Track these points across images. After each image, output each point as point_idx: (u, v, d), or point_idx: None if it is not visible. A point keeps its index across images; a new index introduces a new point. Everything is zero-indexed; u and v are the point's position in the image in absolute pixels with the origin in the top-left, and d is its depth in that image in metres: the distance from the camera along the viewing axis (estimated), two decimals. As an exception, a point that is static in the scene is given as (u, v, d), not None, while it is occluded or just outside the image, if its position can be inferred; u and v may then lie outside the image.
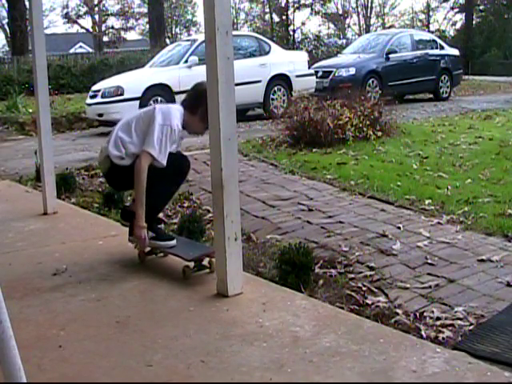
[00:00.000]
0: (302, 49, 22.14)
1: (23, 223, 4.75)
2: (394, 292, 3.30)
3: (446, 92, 14.75)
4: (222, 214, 3.03)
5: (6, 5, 22.43)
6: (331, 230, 4.40)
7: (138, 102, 10.40)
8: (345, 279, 3.52)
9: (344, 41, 27.27)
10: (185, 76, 10.52)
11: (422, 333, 2.80)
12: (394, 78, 13.32)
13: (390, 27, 36.79)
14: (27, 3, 5.77)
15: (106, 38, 38.36)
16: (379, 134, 8.18)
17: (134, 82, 10.99)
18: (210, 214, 4.72)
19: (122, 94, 10.57)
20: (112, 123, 10.08)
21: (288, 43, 25.29)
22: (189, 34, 40.13)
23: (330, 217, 4.75)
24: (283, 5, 28.82)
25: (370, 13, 41.90)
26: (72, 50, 36.14)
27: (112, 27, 39.19)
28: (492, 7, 32.62)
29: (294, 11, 29.03)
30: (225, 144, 3.00)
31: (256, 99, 11.68)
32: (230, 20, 3.02)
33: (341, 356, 2.45)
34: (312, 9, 30.61)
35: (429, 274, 3.53)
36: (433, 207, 4.88)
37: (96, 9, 38.13)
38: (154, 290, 3.27)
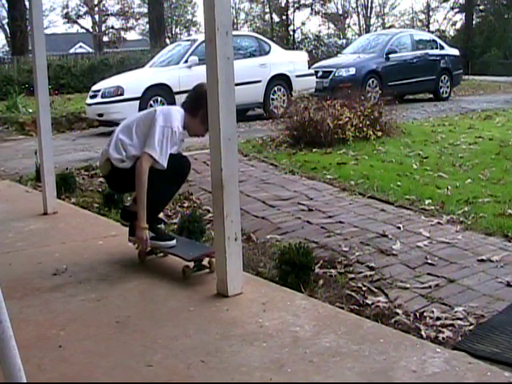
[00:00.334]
0: (302, 49, 22.13)
1: (23, 223, 4.75)
2: (394, 292, 3.30)
3: (446, 92, 14.75)
4: (221, 214, 3.03)
5: (6, 5, 22.45)
6: (331, 230, 4.40)
7: (137, 102, 10.40)
8: (345, 279, 3.52)
9: (344, 41, 27.27)
10: (185, 76, 10.52)
11: (422, 333, 2.80)
12: (394, 78, 13.32)
13: (390, 27, 36.81)
14: (27, 3, 5.77)
15: (106, 38, 38.36)
16: (379, 133, 8.18)
17: (133, 82, 10.99)
18: (210, 214, 4.72)
19: (121, 94, 10.57)
20: (112, 123, 10.17)
21: (288, 43, 25.30)
22: (189, 34, 40.13)
23: (330, 217, 4.75)
24: (283, 5, 28.83)
25: (370, 13, 41.94)
26: (72, 50, 36.16)
27: (112, 27, 39.21)
28: (492, 7, 32.63)
29: (294, 11, 29.06)
30: (225, 144, 3.00)
31: (256, 99, 11.68)
32: (230, 20, 3.02)
33: (341, 356, 2.45)
34: (312, 9, 30.64)
35: (429, 273, 3.53)
36: (433, 207, 4.88)
37: (96, 9, 38.13)
38: (153, 290, 3.27)
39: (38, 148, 5.25)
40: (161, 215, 4.15)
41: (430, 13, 40.76)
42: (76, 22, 37.90)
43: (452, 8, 36.01)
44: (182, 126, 3.60)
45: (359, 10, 41.75)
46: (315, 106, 8.32)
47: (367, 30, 37.70)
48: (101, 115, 10.68)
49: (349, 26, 41.93)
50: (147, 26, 31.42)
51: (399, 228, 4.37)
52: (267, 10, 34.06)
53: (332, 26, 39.49)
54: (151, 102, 10.52)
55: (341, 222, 4.58)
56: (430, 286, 3.34)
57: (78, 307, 3.08)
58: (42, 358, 2.52)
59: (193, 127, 3.68)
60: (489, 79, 21.23)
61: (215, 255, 3.22)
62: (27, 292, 3.29)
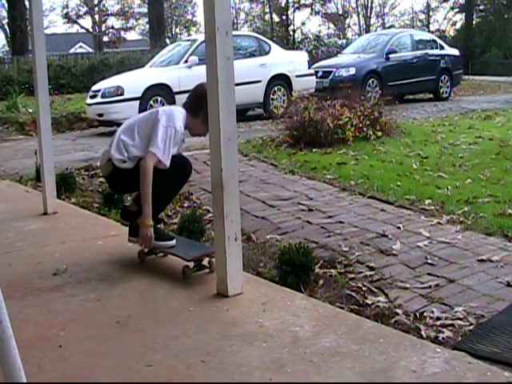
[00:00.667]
0: (301, 49, 22.12)
1: (23, 223, 4.75)
2: (394, 292, 3.30)
3: (446, 92, 14.76)
4: (221, 214, 3.03)
5: (6, 5, 22.43)
6: (331, 230, 4.40)
7: (137, 102, 10.40)
8: (345, 279, 3.52)
9: (344, 41, 27.27)
10: (185, 76, 10.52)
11: (422, 333, 2.80)
12: (394, 78, 13.32)
13: (390, 27, 36.80)
14: (27, 3, 5.77)
15: (106, 38, 38.36)
16: (379, 133, 8.18)
17: (133, 81, 10.99)
18: (210, 214, 4.72)
19: (121, 94, 10.57)
20: (112, 123, 10.19)
21: (288, 43, 25.30)
22: (189, 34, 40.13)
23: (330, 217, 4.75)
24: (283, 5, 28.82)
25: (370, 13, 41.93)
26: (72, 50, 36.15)
27: (112, 27, 39.22)
28: (492, 7, 32.62)
29: (294, 11, 29.06)
30: (225, 144, 3.00)
31: (256, 99, 11.68)
32: (229, 20, 3.02)
33: (341, 356, 2.45)
34: (312, 9, 30.63)
35: (429, 273, 3.52)
36: (433, 207, 4.88)
37: (96, 9, 38.14)
38: (153, 290, 3.27)
39: (38, 148, 5.25)
40: (161, 215, 4.15)
41: (430, 13, 40.79)
42: (76, 22, 37.92)
43: (452, 8, 36.03)
44: (184, 127, 3.60)
45: (359, 9, 41.78)
46: (315, 106, 8.32)
47: (367, 30, 37.71)
48: (101, 115, 10.69)
49: (349, 26, 41.96)
50: (147, 26, 31.43)
51: (399, 228, 4.37)
52: (267, 10, 34.05)
53: (332, 26, 39.50)
54: (151, 102, 10.52)
55: (341, 222, 4.58)
56: (430, 286, 3.34)
57: (77, 307, 3.08)
58: (41, 358, 2.52)
59: (194, 127, 3.68)
60: (489, 79, 21.23)
61: (215, 255, 3.22)
62: (27, 292, 3.29)
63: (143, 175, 3.42)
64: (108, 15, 39.22)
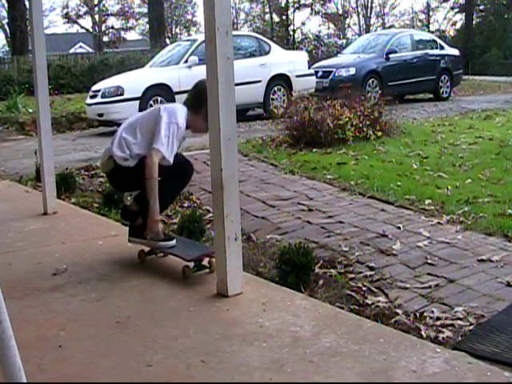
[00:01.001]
0: (302, 49, 22.12)
1: (23, 223, 4.75)
2: (394, 292, 3.30)
3: (446, 92, 14.75)
4: (221, 214, 3.03)
5: (6, 5, 22.43)
6: (331, 230, 4.40)
7: (137, 102, 10.41)
8: (345, 279, 3.52)
9: (344, 41, 27.27)
10: (185, 76, 10.52)
11: (422, 333, 2.80)
12: (394, 78, 13.32)
13: (390, 27, 36.79)
14: (27, 3, 5.77)
15: (106, 38, 38.37)
16: (379, 134, 8.18)
17: (133, 82, 10.99)
18: (210, 214, 4.72)
19: (121, 94, 10.58)
20: (112, 123, 10.19)
21: (288, 43, 25.30)
22: (189, 34, 40.13)
23: (330, 217, 4.75)
24: (283, 5, 28.83)
25: (370, 13, 41.91)
26: (72, 50, 36.15)
27: (112, 27, 39.24)
28: (492, 7, 32.61)
29: (294, 11, 29.06)
30: (225, 144, 3.00)
31: (256, 99, 11.68)
32: (230, 20, 3.02)
33: (341, 356, 2.45)
34: (312, 9, 30.64)
35: (429, 274, 3.52)
36: (433, 207, 4.88)
37: (96, 9, 38.14)
38: (153, 290, 3.27)
39: (38, 148, 5.25)
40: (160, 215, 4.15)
41: (430, 13, 40.77)
42: (76, 22, 37.93)
43: (452, 8, 36.02)
44: (186, 124, 3.60)
45: (359, 9, 41.76)
46: (315, 106, 8.32)
47: (367, 30, 37.69)
48: (101, 115, 10.69)
49: (349, 26, 41.94)
50: (147, 26, 31.43)
51: (399, 228, 4.37)
52: (267, 10, 34.05)
53: (332, 25, 39.50)
54: (151, 102, 10.52)
55: (341, 222, 4.58)
56: (430, 286, 3.34)
57: (78, 307, 3.08)
58: (41, 358, 2.52)
59: (196, 124, 3.67)
60: (489, 79, 21.21)
61: (215, 255, 3.22)
62: (27, 292, 3.29)
63: (148, 171, 3.41)
64: (108, 15, 39.22)
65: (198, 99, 3.57)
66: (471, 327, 2.85)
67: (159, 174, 3.44)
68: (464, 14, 32.36)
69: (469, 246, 3.95)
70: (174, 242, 3.65)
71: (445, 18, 38.19)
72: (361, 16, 41.70)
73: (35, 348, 2.60)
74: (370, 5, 41.49)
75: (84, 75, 19.08)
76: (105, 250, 4.00)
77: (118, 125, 3.82)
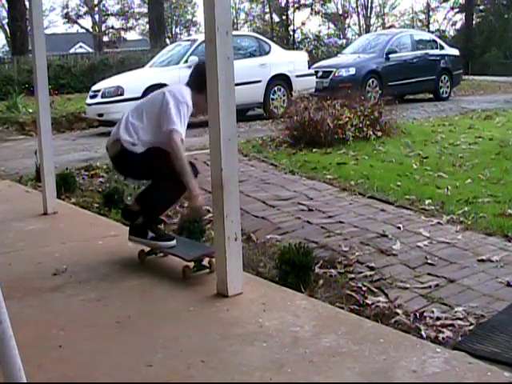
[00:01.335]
0: (302, 49, 22.11)
1: (23, 223, 4.75)
2: (394, 292, 3.30)
3: (446, 92, 14.74)
4: (221, 214, 3.03)
5: (6, 5, 22.42)
6: (331, 230, 4.40)
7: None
8: (345, 279, 3.52)
9: (344, 41, 27.26)
10: (185, 76, 10.39)
11: (422, 333, 2.80)
12: (394, 78, 13.30)
13: (390, 27, 36.76)
14: (27, 3, 5.77)
15: (106, 38, 38.36)
16: (379, 134, 8.18)
17: (133, 82, 10.98)
18: (210, 214, 4.72)
19: (122, 94, 10.57)
20: (112, 123, 10.12)
21: (288, 43, 25.27)
22: (189, 34, 40.12)
23: (330, 217, 4.75)
24: (283, 5, 28.80)
25: (370, 13, 41.88)
26: (72, 50, 36.13)
27: (112, 27, 39.23)
28: (492, 7, 32.58)
29: (294, 11, 29.01)
30: (225, 144, 3.00)
31: (256, 99, 11.67)
32: (229, 20, 3.02)
33: (341, 356, 2.45)
34: (312, 9, 30.60)
35: (429, 274, 3.53)
36: (433, 207, 4.88)
37: (96, 9, 38.13)
38: (153, 290, 3.27)
39: (38, 148, 5.25)
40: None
41: (430, 13, 40.71)
42: (76, 22, 37.91)
43: (452, 8, 35.97)
44: (192, 103, 3.60)
45: (359, 9, 41.73)
46: (315, 106, 8.32)
47: (367, 30, 37.65)
48: (101, 115, 10.68)
49: (349, 26, 41.91)
50: (147, 26, 31.42)
51: (399, 228, 4.37)
52: (267, 10, 34.03)
53: (332, 25, 39.48)
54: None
55: (341, 222, 4.58)
56: (429, 286, 3.34)
57: (77, 307, 3.08)
58: (41, 358, 2.52)
59: (200, 104, 3.64)
60: (489, 79, 21.20)
61: (215, 255, 3.22)
62: (27, 292, 3.29)
63: (176, 153, 3.38)
64: (108, 15, 39.21)
65: (201, 78, 3.52)
66: (471, 327, 2.85)
67: (161, 176, 3.44)
68: (464, 14, 32.35)
69: (469, 246, 3.95)
70: (174, 242, 3.65)
71: (445, 18, 38.17)
72: (361, 16, 41.71)
73: (35, 348, 2.60)
74: (369, 5, 41.49)
75: (84, 75, 19.05)
76: (105, 250, 4.00)
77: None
